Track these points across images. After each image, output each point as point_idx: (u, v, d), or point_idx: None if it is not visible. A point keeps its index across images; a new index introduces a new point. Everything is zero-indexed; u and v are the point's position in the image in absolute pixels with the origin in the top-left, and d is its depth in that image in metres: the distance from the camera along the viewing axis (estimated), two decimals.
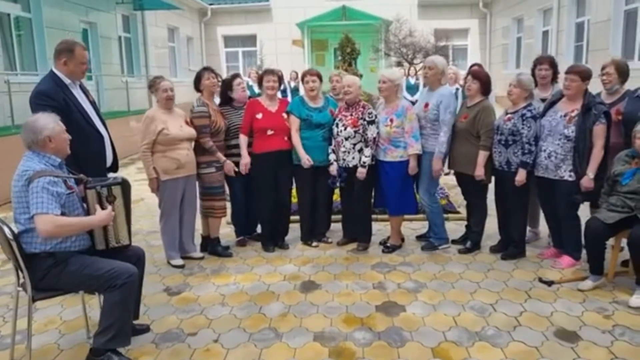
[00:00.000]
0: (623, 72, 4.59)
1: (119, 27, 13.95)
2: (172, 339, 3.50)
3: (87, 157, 3.73)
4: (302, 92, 5.42)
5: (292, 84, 13.28)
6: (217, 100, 5.23)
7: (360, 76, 8.10)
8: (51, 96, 3.68)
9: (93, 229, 3.13)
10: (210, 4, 19.97)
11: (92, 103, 4.08)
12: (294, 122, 4.97)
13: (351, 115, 4.89)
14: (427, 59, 5.08)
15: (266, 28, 20.44)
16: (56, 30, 10.57)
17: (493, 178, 4.84)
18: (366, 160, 4.83)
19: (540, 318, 3.67)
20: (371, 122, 4.84)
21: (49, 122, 3.06)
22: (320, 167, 5.01)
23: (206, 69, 5.03)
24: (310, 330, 3.56)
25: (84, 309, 3.59)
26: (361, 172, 4.83)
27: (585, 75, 4.37)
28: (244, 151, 4.94)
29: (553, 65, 4.91)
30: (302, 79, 5.16)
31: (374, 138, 4.82)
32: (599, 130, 4.19)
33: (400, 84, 4.98)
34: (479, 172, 4.68)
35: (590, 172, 4.22)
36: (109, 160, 4.08)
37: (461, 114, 4.86)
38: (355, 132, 4.83)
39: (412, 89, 11.31)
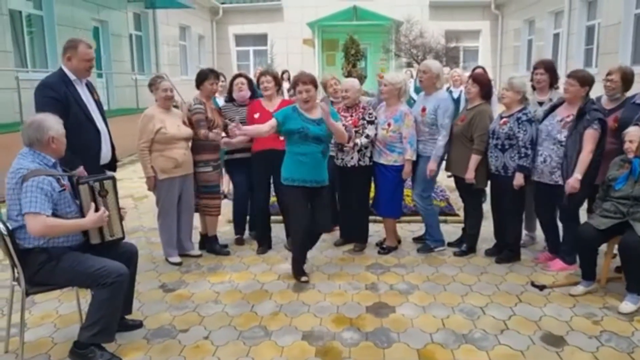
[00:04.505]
0: (627, 81, 4.54)
1: (130, 25, 14.11)
2: (164, 335, 3.56)
3: (82, 147, 3.75)
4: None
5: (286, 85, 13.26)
6: (221, 100, 5.29)
7: (365, 77, 8.12)
8: (53, 88, 3.77)
9: None
10: (222, 3, 20.06)
11: (97, 102, 4.15)
12: (269, 122, 4.41)
13: (351, 116, 4.94)
14: (422, 62, 5.08)
15: (277, 27, 20.48)
16: (67, 28, 10.73)
17: (489, 182, 4.85)
18: (364, 140, 4.84)
19: (528, 322, 3.68)
20: (371, 122, 4.89)
21: (55, 124, 3.16)
22: (315, 188, 4.41)
23: (212, 71, 5.05)
24: (300, 330, 3.61)
25: (77, 304, 3.67)
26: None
27: (583, 81, 4.35)
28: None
29: (549, 69, 4.88)
30: (294, 88, 4.50)
31: (373, 135, 4.86)
32: (589, 135, 4.16)
33: (402, 88, 4.95)
34: (469, 175, 4.69)
35: (578, 172, 4.17)
36: (106, 158, 4.14)
37: (460, 116, 4.88)
38: (356, 131, 4.86)
39: (419, 90, 11.30)
